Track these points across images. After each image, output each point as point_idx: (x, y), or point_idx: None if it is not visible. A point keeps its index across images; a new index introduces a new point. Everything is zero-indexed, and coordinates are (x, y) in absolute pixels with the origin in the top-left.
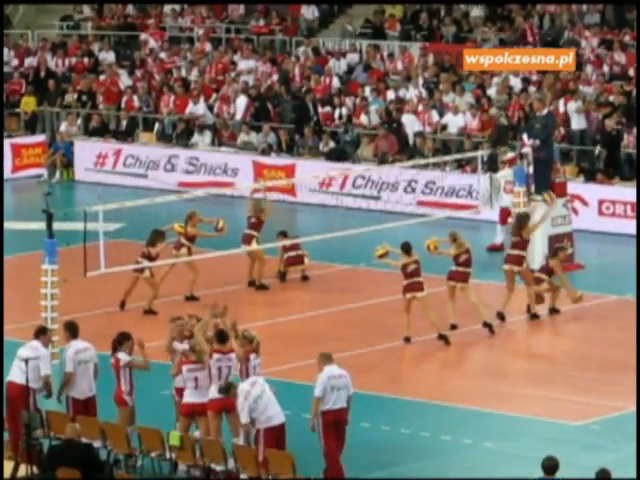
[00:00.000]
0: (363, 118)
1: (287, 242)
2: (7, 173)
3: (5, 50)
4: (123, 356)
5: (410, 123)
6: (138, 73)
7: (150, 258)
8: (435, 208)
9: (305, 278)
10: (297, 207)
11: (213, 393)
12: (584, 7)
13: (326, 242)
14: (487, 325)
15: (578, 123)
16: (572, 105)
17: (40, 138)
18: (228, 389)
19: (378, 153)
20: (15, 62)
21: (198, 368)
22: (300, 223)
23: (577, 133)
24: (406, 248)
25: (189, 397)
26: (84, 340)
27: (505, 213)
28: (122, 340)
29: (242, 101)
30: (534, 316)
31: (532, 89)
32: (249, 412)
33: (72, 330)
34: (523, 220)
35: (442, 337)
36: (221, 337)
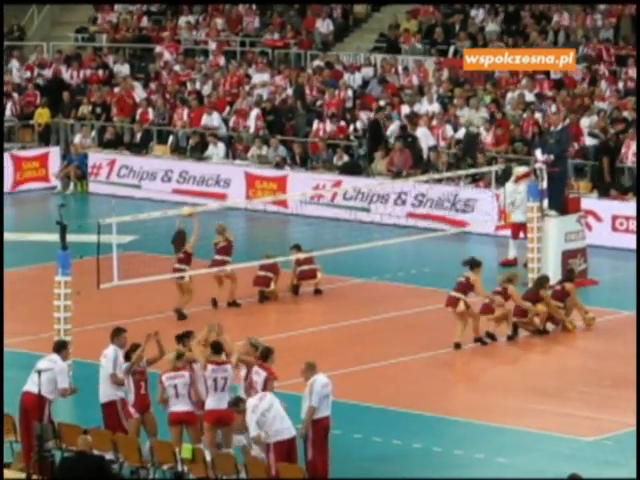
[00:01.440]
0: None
1: (301, 255)
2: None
3: (17, 63)
4: (125, 365)
5: (424, 137)
6: (153, 86)
7: (188, 258)
8: (424, 220)
9: (318, 292)
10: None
11: (209, 404)
12: (599, 22)
13: (337, 256)
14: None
15: (592, 139)
16: (586, 121)
17: (40, 151)
18: (237, 403)
19: (393, 167)
20: (28, 74)
21: (176, 376)
22: (308, 236)
23: (591, 149)
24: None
25: (173, 406)
26: (110, 348)
27: (516, 228)
28: (128, 352)
29: (255, 114)
30: (544, 331)
31: (546, 104)
32: (257, 426)
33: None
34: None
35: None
36: (216, 348)
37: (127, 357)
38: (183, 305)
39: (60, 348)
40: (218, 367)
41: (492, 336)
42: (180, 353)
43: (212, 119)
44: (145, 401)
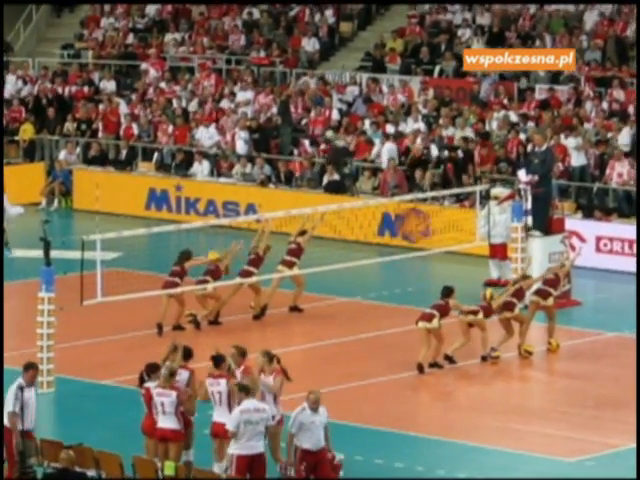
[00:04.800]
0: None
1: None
2: None
3: (11, 77)
4: (153, 385)
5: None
6: (138, 102)
7: (183, 273)
8: None
9: (296, 309)
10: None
11: (214, 416)
12: (584, 43)
13: (321, 274)
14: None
15: (577, 159)
16: (571, 141)
17: None
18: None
19: (386, 186)
20: (27, 88)
21: (163, 394)
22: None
23: (576, 169)
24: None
25: (160, 423)
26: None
27: (494, 249)
28: (151, 371)
29: (242, 133)
30: (528, 353)
31: (531, 124)
32: (237, 425)
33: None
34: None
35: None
36: (215, 361)
37: (142, 379)
38: (178, 318)
39: (25, 369)
40: (213, 380)
41: (450, 359)
42: (173, 371)
43: (210, 134)
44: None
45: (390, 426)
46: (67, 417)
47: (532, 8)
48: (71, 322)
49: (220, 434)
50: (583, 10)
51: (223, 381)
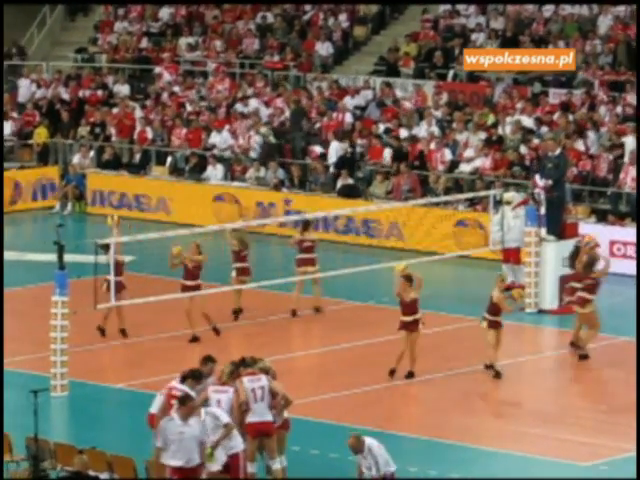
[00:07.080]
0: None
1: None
2: None
3: (26, 81)
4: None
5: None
6: (152, 106)
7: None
8: None
9: (318, 310)
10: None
11: (250, 417)
12: (598, 48)
13: (335, 278)
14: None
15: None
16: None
17: None
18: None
19: (399, 190)
20: (41, 92)
21: (220, 390)
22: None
23: (589, 173)
24: None
25: None
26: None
27: (507, 253)
28: (190, 377)
29: (257, 137)
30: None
31: (544, 129)
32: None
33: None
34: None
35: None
36: (246, 364)
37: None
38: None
39: (179, 402)
40: (253, 377)
41: (412, 374)
42: (233, 370)
43: (224, 138)
44: None
45: (403, 430)
46: (80, 421)
47: (546, 12)
48: (85, 326)
49: (272, 431)
50: (597, 14)
51: (263, 376)
